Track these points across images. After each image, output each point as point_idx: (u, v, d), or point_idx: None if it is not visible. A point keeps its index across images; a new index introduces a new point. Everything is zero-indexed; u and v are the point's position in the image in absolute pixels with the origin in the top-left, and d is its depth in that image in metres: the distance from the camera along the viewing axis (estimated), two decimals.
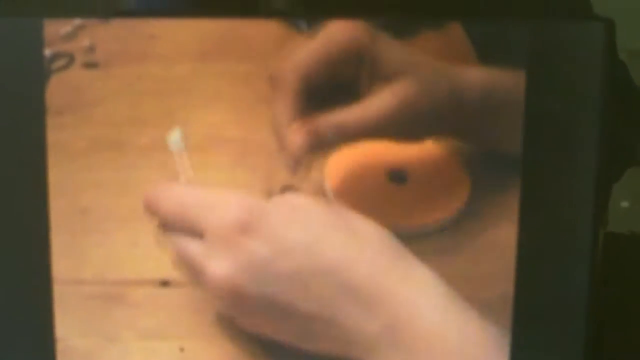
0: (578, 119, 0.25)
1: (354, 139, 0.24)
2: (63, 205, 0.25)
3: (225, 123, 0.25)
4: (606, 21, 0.24)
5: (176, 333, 0.25)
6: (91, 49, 0.24)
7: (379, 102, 0.24)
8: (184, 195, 0.24)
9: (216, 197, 0.24)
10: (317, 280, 0.23)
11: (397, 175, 0.25)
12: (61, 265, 0.25)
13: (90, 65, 0.24)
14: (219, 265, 0.24)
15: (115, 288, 0.25)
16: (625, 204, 0.25)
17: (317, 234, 0.24)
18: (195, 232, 0.24)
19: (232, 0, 0.23)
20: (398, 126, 0.24)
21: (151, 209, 0.24)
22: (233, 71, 0.24)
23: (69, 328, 0.25)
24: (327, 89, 0.24)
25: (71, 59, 0.24)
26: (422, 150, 0.25)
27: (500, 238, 0.25)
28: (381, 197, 0.25)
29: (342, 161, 0.25)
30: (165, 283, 0.25)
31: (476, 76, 0.24)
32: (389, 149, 0.25)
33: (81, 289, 0.25)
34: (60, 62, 0.24)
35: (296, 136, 0.24)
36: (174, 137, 0.24)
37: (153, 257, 0.25)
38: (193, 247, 0.24)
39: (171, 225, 0.24)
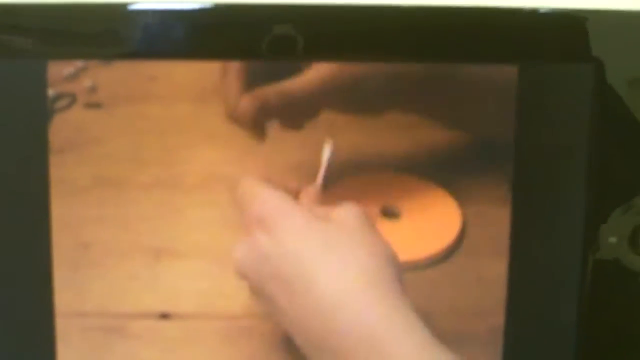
0: (567, 158, 0.25)
1: (301, 107, 0.25)
2: (65, 240, 0.25)
3: (223, 161, 0.26)
4: (596, 62, 0.25)
5: None
6: (93, 90, 0.25)
7: (317, 71, 0.25)
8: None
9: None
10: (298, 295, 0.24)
11: (390, 211, 0.26)
12: (63, 298, 0.25)
13: (92, 105, 0.25)
14: (238, 248, 0.25)
15: (115, 320, 0.26)
16: (613, 239, 0.26)
17: (314, 250, 0.24)
18: None
19: (228, 43, 0.24)
20: (345, 96, 0.25)
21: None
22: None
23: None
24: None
25: (73, 99, 0.25)
26: (415, 186, 0.26)
27: (491, 271, 0.26)
28: None
29: (339, 196, 0.26)
30: (164, 316, 0.26)
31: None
32: (384, 185, 0.26)
33: (83, 321, 0.26)
34: (63, 102, 0.25)
35: (245, 102, 0.25)
36: (326, 149, 0.25)
37: (152, 290, 0.26)
38: None
39: None
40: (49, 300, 0.25)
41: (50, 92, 0.25)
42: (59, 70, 0.25)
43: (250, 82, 0.25)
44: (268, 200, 0.25)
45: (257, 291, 0.25)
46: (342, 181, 0.26)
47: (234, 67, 0.25)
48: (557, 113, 0.25)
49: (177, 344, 0.26)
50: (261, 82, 0.25)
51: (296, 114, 0.25)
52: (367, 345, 0.23)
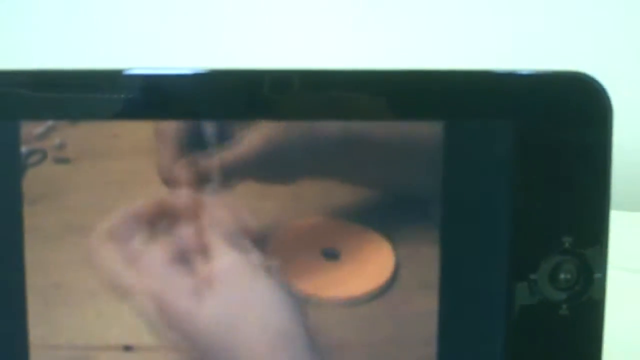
0: (491, 207, 0.28)
1: (231, 176, 0.27)
2: (38, 280, 0.28)
3: None
4: (516, 119, 0.28)
5: None
6: (62, 146, 0.28)
7: (248, 142, 0.27)
8: None
9: None
10: None
11: (330, 253, 0.29)
12: (37, 332, 0.28)
13: (61, 160, 0.28)
14: None
15: (84, 352, 0.29)
16: (534, 276, 0.28)
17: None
18: None
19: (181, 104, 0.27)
20: (269, 166, 0.27)
21: None
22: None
23: None
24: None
25: (44, 155, 0.28)
26: (352, 231, 0.29)
27: (422, 305, 0.29)
28: (318, 273, 0.29)
29: (283, 240, 0.28)
30: (127, 348, 0.29)
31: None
32: (322, 230, 0.28)
33: (55, 353, 0.29)
34: (35, 158, 0.28)
35: (180, 171, 0.27)
36: None
37: (116, 326, 0.29)
38: None
39: None
40: (24, 334, 0.28)
41: (23, 149, 0.28)
42: (30, 130, 0.27)
43: (185, 148, 0.27)
44: None
45: None
46: (282, 227, 0.28)
47: (168, 132, 0.27)
48: (481, 166, 0.28)
49: None
50: (197, 148, 0.28)
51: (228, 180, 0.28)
52: None
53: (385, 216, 0.28)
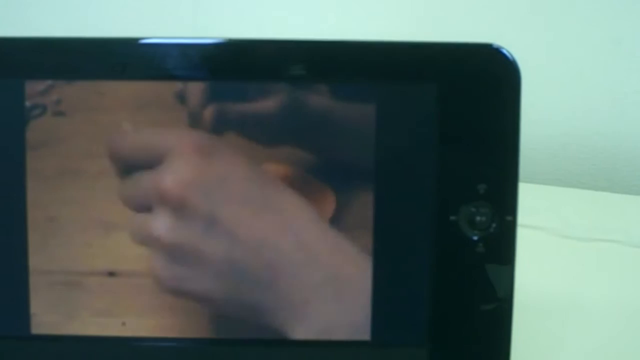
0: (417, 163, 0.33)
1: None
2: (37, 215, 0.34)
3: None
4: (438, 83, 0.33)
5: (119, 312, 0.34)
6: (59, 102, 0.33)
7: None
8: None
9: None
10: None
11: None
12: (35, 259, 0.34)
13: (58, 113, 0.33)
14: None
15: (74, 277, 0.34)
16: (454, 218, 0.33)
17: None
18: None
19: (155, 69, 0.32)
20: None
21: None
22: (164, 119, 0.34)
23: (41, 306, 0.34)
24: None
25: (44, 109, 0.33)
26: (299, 176, 0.34)
27: (360, 243, 0.34)
28: None
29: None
30: (111, 274, 0.34)
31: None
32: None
33: (50, 277, 0.34)
34: (37, 111, 0.33)
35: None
36: None
37: (103, 255, 0.34)
38: None
39: None
40: (24, 261, 0.34)
41: (27, 103, 0.33)
42: (33, 88, 0.33)
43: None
44: None
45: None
46: None
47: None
48: (408, 125, 0.33)
49: (122, 297, 0.34)
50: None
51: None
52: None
53: (327, 168, 0.33)
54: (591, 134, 0.70)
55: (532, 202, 0.36)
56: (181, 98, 0.32)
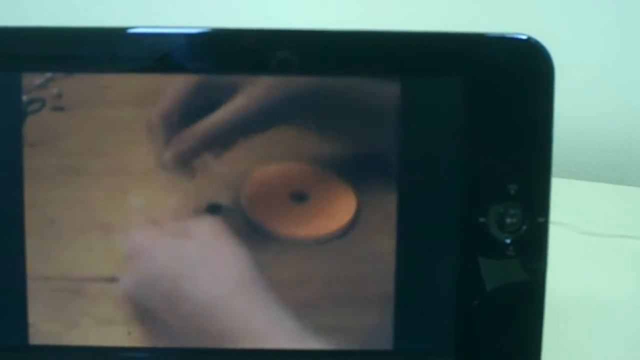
0: (444, 161, 0.31)
1: (221, 142, 0.30)
2: (35, 216, 0.31)
3: None
4: (466, 76, 0.31)
5: (123, 320, 0.32)
6: (58, 96, 0.31)
7: (232, 104, 0.30)
8: None
9: None
10: None
11: (298, 196, 0.32)
12: (33, 264, 0.31)
13: (58, 108, 0.31)
14: None
15: (75, 283, 0.32)
16: (482, 219, 0.31)
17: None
18: None
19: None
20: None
21: None
22: None
23: (39, 315, 0.32)
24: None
25: (43, 103, 0.31)
26: (318, 175, 0.32)
27: (382, 245, 0.32)
28: (286, 214, 0.32)
29: (254, 185, 0.31)
30: (113, 279, 0.32)
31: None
32: (292, 174, 0.31)
33: (48, 283, 0.32)
34: (35, 106, 0.31)
35: (170, 150, 0.30)
36: None
37: (104, 260, 0.32)
38: None
39: None
40: (21, 266, 0.31)
41: (24, 97, 0.31)
42: (31, 81, 0.31)
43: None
44: None
45: None
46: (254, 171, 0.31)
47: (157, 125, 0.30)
48: (434, 120, 0.31)
49: (124, 304, 0.32)
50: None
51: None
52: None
53: (348, 165, 0.31)
54: (607, 125, 0.68)
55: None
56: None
